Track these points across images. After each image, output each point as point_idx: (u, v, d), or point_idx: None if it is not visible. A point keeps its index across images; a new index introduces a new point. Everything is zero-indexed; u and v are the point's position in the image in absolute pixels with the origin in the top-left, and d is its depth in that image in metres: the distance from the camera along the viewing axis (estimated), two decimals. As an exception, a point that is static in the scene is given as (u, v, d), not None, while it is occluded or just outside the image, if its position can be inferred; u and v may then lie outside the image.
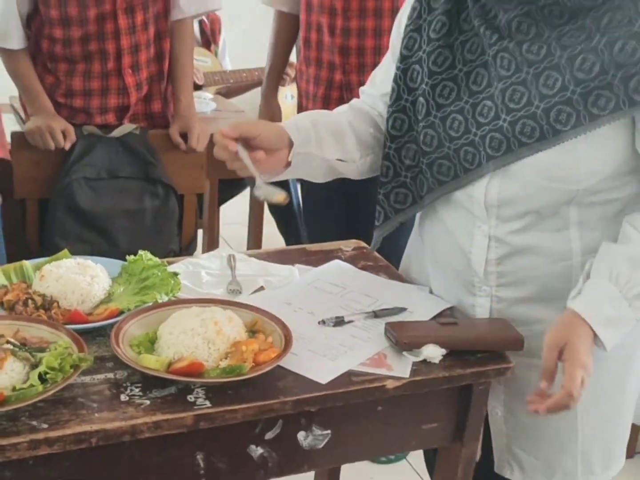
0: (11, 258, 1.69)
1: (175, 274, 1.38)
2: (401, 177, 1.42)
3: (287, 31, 2.53)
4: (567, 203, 1.28)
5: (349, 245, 1.67)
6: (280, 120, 2.68)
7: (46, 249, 2.14)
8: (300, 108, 2.53)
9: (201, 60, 3.29)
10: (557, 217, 1.30)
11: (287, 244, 3.24)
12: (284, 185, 3.32)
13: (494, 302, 1.38)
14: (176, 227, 2.35)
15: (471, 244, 1.37)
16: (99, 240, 2.20)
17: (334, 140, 1.41)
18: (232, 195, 3.23)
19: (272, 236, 3.29)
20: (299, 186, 2.92)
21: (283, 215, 3.23)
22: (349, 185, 2.40)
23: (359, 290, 1.47)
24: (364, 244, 1.68)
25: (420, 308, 1.41)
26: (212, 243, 3.01)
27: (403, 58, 1.39)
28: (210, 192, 2.85)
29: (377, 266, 1.59)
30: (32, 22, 2.21)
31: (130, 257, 1.40)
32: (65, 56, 2.21)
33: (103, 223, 2.20)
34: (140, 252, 1.40)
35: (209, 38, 3.39)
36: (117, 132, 2.27)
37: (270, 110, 2.65)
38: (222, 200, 3.12)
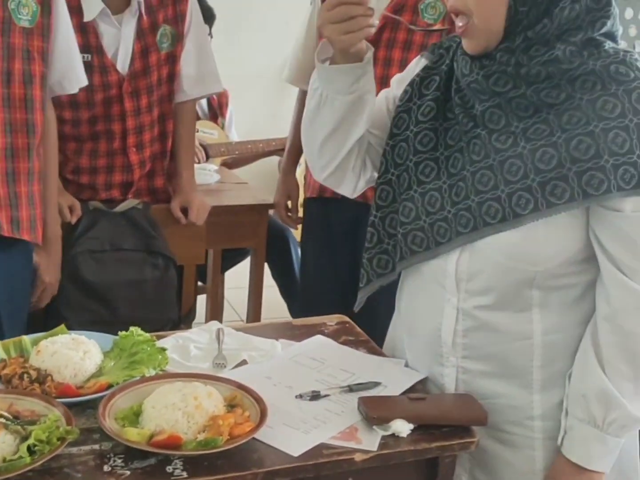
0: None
1: (164, 349, 1.47)
2: (384, 244, 1.52)
3: None
4: (528, 285, 1.37)
5: (332, 320, 1.75)
6: (297, 197, 2.80)
7: (51, 317, 2.23)
8: (306, 179, 2.65)
9: (208, 133, 3.42)
10: (520, 299, 1.38)
11: (290, 308, 3.33)
12: (286, 256, 3.35)
13: (460, 373, 1.46)
14: (175, 297, 2.44)
15: (441, 315, 1.45)
16: (102, 309, 2.29)
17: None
18: (235, 263, 3.33)
19: (275, 300, 3.37)
20: (299, 251, 3.02)
21: (284, 281, 3.33)
22: (341, 263, 2.49)
23: (337, 365, 1.54)
24: (347, 319, 1.76)
25: (394, 382, 1.48)
26: (215, 309, 3.10)
27: (392, 135, 1.51)
28: (213, 260, 2.96)
29: (358, 341, 1.67)
30: (44, 104, 2.36)
31: (122, 333, 1.49)
32: (74, 136, 2.34)
33: (105, 293, 2.29)
34: (132, 328, 1.49)
35: (216, 111, 3.53)
36: (121, 207, 2.38)
37: (288, 186, 2.76)
38: (225, 267, 3.22)
